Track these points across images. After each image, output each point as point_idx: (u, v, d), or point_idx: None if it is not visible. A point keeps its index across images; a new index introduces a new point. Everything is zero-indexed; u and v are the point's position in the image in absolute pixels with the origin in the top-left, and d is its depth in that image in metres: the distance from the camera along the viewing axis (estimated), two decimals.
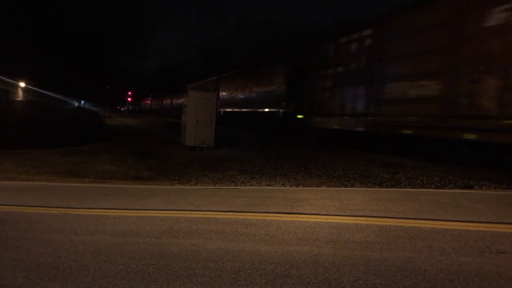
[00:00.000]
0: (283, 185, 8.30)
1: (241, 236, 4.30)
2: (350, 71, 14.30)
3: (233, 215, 5.24)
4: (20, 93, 24.93)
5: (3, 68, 20.90)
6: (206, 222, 4.87)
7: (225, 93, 32.86)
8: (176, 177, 9.32)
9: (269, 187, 8.06)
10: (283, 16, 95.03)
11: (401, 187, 8.05)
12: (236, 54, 55.25)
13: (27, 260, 3.59)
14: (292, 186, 8.12)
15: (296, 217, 5.09)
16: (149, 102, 78.15)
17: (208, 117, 14.25)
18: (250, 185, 8.30)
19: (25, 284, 3.10)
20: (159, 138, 20.19)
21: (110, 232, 4.48)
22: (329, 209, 5.54)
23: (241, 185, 8.30)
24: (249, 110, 25.87)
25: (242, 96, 28.12)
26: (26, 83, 24.83)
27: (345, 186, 8.20)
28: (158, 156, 13.10)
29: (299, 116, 18.17)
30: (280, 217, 5.10)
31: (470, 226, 4.57)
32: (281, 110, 20.34)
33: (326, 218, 5.02)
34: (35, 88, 24.74)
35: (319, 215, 5.18)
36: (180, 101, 36.61)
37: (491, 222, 4.74)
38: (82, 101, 38.68)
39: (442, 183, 8.28)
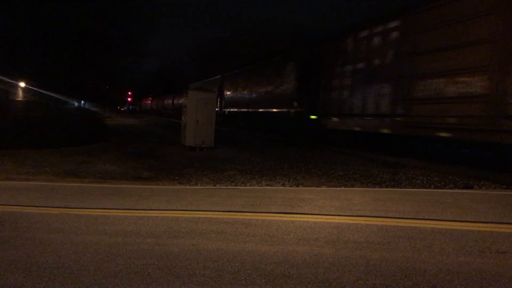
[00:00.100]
0: (283, 185, 8.30)
1: (241, 236, 4.30)
2: (373, 67, 13.07)
3: (233, 215, 5.24)
4: (20, 93, 24.95)
5: (3, 68, 20.90)
6: (206, 222, 4.87)
7: (230, 93, 31.11)
8: (176, 177, 9.32)
9: (269, 187, 8.06)
10: (283, 16, 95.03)
11: (401, 187, 8.05)
12: (237, 53, 55.17)
13: (27, 260, 3.59)
14: (292, 186, 8.12)
15: (296, 217, 5.09)
16: (149, 102, 78.07)
17: (208, 117, 14.25)
18: (250, 185, 8.30)
19: (25, 284, 3.09)
20: (159, 138, 20.19)
21: (110, 232, 4.48)
22: (329, 209, 5.54)
23: (241, 185, 8.30)
24: (257, 110, 24.33)
25: (248, 95, 26.39)
26: (26, 83, 24.84)
27: (345, 186, 8.21)
28: (158, 156, 13.10)
29: (313, 117, 16.95)
30: (280, 217, 5.10)
31: (470, 226, 4.57)
32: (292, 110, 18.99)
33: (326, 218, 5.02)
34: (35, 88, 24.74)
35: (319, 215, 5.18)
36: (181, 101, 35.09)
37: (491, 222, 4.74)
38: (82, 101, 38.68)
39: (442, 183, 8.28)
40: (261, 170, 10.16)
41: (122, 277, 3.21)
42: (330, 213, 5.29)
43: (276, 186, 8.24)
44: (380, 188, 7.90)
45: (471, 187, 7.79)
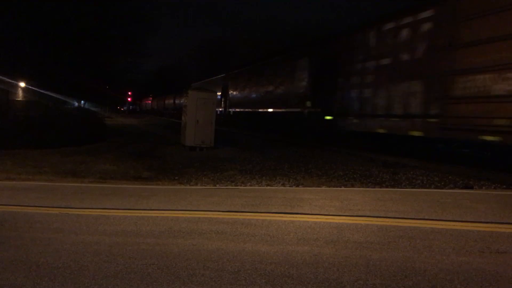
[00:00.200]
0: (283, 185, 8.30)
1: (241, 236, 4.30)
2: (401, 63, 11.85)
3: (233, 215, 5.24)
4: (20, 93, 24.94)
5: (3, 68, 20.90)
6: (206, 222, 4.87)
7: (235, 92, 29.74)
8: (176, 177, 9.32)
9: (269, 187, 8.06)
10: (283, 16, 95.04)
11: (401, 187, 8.05)
12: (237, 53, 55.13)
13: (27, 260, 3.59)
14: (292, 186, 8.12)
15: (296, 217, 5.09)
16: (150, 102, 78.00)
17: (208, 117, 14.25)
18: (250, 185, 8.30)
19: (25, 284, 3.09)
20: (159, 138, 20.19)
21: (110, 232, 4.48)
22: (329, 209, 5.54)
23: (241, 185, 8.30)
24: (265, 110, 22.89)
25: (256, 95, 24.86)
26: (26, 83, 24.84)
27: (345, 186, 8.21)
28: (158, 156, 13.11)
29: (328, 117, 15.66)
30: (280, 217, 5.10)
31: (470, 226, 4.57)
32: (305, 111, 17.58)
33: (326, 218, 5.02)
34: (35, 88, 24.75)
35: (319, 215, 5.18)
36: (183, 100, 35.27)
37: (491, 222, 4.74)
38: (82, 101, 38.69)
39: (442, 183, 8.28)
40: (261, 170, 10.17)
41: (122, 277, 3.21)
42: (330, 213, 5.29)
43: (276, 186, 8.24)
44: (380, 188, 7.90)
45: (471, 187, 7.79)
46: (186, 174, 9.74)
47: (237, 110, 28.67)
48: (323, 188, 7.86)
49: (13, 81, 23.03)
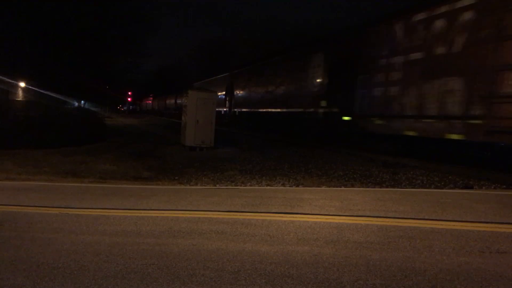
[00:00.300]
0: (283, 185, 8.30)
1: (241, 236, 4.30)
2: (435, 57, 10.66)
3: (233, 215, 5.24)
4: (20, 93, 24.96)
5: (3, 68, 20.91)
6: (206, 222, 4.87)
7: (241, 91, 28.35)
8: (176, 177, 9.32)
9: (269, 187, 8.06)
10: (283, 16, 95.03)
11: (401, 187, 8.05)
12: (237, 53, 55.10)
13: (27, 260, 3.59)
14: (292, 186, 8.12)
15: (296, 217, 5.09)
16: (150, 102, 77.94)
17: (208, 117, 14.25)
18: (250, 185, 8.30)
19: (25, 284, 3.09)
20: (159, 138, 20.19)
21: (110, 232, 4.48)
22: (329, 209, 5.54)
23: (241, 185, 8.30)
24: (274, 110, 21.52)
25: (263, 94, 23.43)
26: (26, 83, 24.85)
27: (345, 186, 8.21)
28: (158, 156, 13.11)
29: (346, 118, 14.45)
30: (280, 217, 5.10)
31: (470, 226, 4.57)
32: (320, 111, 16.28)
33: (326, 218, 5.02)
34: (35, 88, 24.76)
35: (319, 215, 5.18)
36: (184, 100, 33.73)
37: (491, 222, 4.74)
38: (82, 101, 38.70)
39: (442, 183, 8.28)
40: (261, 170, 10.17)
41: (122, 277, 3.21)
42: (330, 213, 5.29)
43: (276, 186, 8.24)
44: (380, 188, 7.90)
45: (471, 187, 7.79)
46: (186, 174, 9.74)
47: (243, 110, 27.30)
48: (323, 188, 7.86)
49: (13, 81, 23.04)
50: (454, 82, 10.13)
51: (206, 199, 6.32)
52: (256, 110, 24.57)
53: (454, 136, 10.10)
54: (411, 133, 11.41)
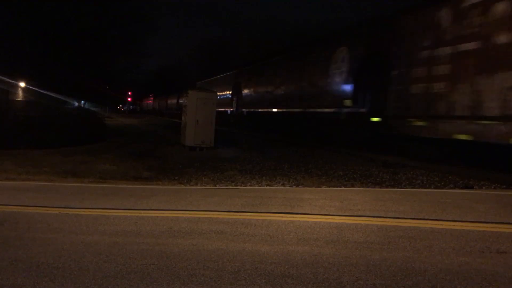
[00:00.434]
0: (283, 185, 8.31)
1: (241, 236, 4.30)
2: (495, 47, 9.17)
3: (233, 215, 5.24)
4: (20, 93, 24.96)
5: (3, 68, 20.91)
6: (206, 222, 4.87)
7: (249, 90, 26.57)
8: (176, 177, 9.32)
9: (269, 187, 8.06)
10: (283, 16, 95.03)
11: (401, 187, 8.05)
12: (237, 53, 55.07)
13: (27, 260, 3.59)
14: (292, 186, 8.12)
15: (296, 217, 5.09)
16: (151, 102, 77.86)
17: (208, 117, 14.25)
18: (250, 185, 8.30)
19: (25, 284, 3.09)
20: (159, 138, 20.19)
21: (110, 232, 4.48)
22: (329, 209, 5.54)
23: (241, 185, 8.30)
24: (288, 110, 19.85)
25: (276, 92, 21.70)
26: (26, 83, 24.85)
27: (345, 186, 8.21)
28: (158, 156, 13.11)
29: (375, 119, 12.98)
30: (280, 217, 5.10)
31: (470, 226, 4.57)
32: (343, 111, 14.72)
33: (326, 218, 5.02)
34: (35, 88, 24.76)
35: (319, 215, 5.18)
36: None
37: (491, 222, 4.74)
38: (82, 101, 38.72)
39: (442, 183, 8.28)
40: (261, 170, 10.17)
41: (122, 277, 3.21)
42: (330, 213, 5.29)
43: (276, 186, 8.24)
44: (380, 188, 7.90)
45: (471, 187, 7.79)
46: (186, 174, 9.74)
47: (252, 110, 25.43)
48: (323, 188, 7.86)
49: (13, 81, 23.04)
50: None
51: (206, 199, 6.33)
52: (266, 110, 22.76)
53: None
54: (463, 137, 9.80)
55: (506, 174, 8.73)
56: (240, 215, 5.20)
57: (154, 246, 3.98)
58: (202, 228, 4.59)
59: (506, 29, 9.00)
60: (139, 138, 20.07)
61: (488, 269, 3.34)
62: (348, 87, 14.63)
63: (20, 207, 5.77)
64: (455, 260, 3.55)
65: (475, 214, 5.17)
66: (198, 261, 3.56)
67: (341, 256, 3.66)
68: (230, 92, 30.49)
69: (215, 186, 8.29)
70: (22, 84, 24.89)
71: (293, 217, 5.11)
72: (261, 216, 5.16)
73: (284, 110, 20.29)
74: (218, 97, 32.05)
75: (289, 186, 8.13)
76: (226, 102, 31.24)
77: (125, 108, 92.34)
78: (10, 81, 22.27)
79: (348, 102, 14.45)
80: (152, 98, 76.56)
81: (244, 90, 27.41)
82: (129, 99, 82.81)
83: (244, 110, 27.10)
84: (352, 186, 8.19)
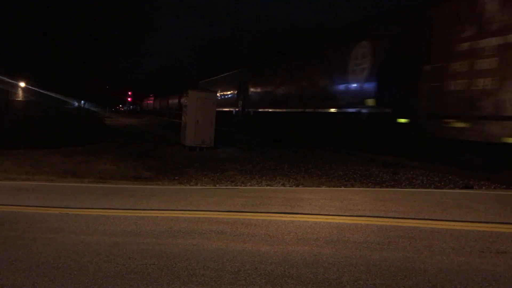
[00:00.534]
0: (283, 185, 8.31)
1: (241, 236, 4.30)
2: None
3: (233, 215, 5.24)
4: (20, 93, 24.97)
5: (3, 68, 20.92)
6: (206, 222, 4.87)
7: (256, 89, 25.19)
8: (176, 177, 9.32)
9: (269, 187, 8.06)
10: (282, 16, 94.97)
11: (401, 187, 8.05)
12: (237, 53, 55.03)
13: (27, 260, 3.59)
14: (292, 186, 8.12)
15: (296, 217, 5.09)
16: (151, 101, 77.75)
17: (208, 117, 14.26)
18: (250, 185, 8.30)
19: (25, 284, 3.09)
20: (159, 138, 20.19)
21: (110, 232, 4.48)
22: (329, 209, 5.54)
23: (241, 185, 8.30)
24: (300, 110, 18.45)
25: (287, 91, 20.24)
26: (26, 83, 24.86)
27: (345, 186, 8.21)
28: (158, 156, 13.10)
29: (402, 120, 11.76)
30: (280, 217, 5.10)
31: (470, 226, 4.57)
32: (364, 111, 13.52)
33: (326, 218, 5.02)
34: (35, 88, 24.77)
35: (319, 215, 5.18)
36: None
37: (491, 222, 4.74)
38: (82, 101, 38.73)
39: (442, 183, 8.28)
40: (261, 170, 10.17)
41: (122, 277, 3.21)
42: (330, 213, 5.29)
43: (276, 186, 8.24)
44: (380, 188, 7.90)
45: (471, 187, 7.80)
46: (186, 174, 9.74)
47: (260, 110, 23.90)
48: (323, 188, 7.86)
49: (13, 81, 23.05)
50: None
51: (206, 199, 6.33)
52: (276, 110, 21.44)
53: None
54: None
55: (506, 174, 8.73)
56: (240, 215, 5.20)
57: (154, 246, 3.98)
58: (202, 228, 4.59)
59: None
60: (139, 138, 20.07)
61: (488, 269, 3.34)
62: (370, 85, 13.31)
63: (20, 207, 5.77)
64: (455, 260, 3.55)
65: (475, 214, 5.17)
66: (198, 261, 3.56)
67: (341, 256, 3.66)
68: (236, 92, 29.17)
69: (215, 186, 8.29)
70: (22, 84, 24.89)
71: (293, 217, 5.11)
72: (261, 216, 5.16)
73: (298, 110, 18.88)
74: (222, 97, 31.46)
75: (289, 186, 8.13)
76: (231, 101, 30.06)
77: (125, 108, 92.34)
78: (10, 81, 22.28)
79: (370, 102, 13.17)
80: (152, 98, 76.44)
81: (251, 89, 25.99)
82: (129, 99, 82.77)
83: (250, 110, 25.76)
84: (352, 186, 8.19)
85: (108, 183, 8.60)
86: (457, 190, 7.47)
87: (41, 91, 24.88)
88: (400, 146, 12.19)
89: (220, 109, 30.29)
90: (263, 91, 24.28)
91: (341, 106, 15.00)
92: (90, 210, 5.62)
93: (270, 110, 22.35)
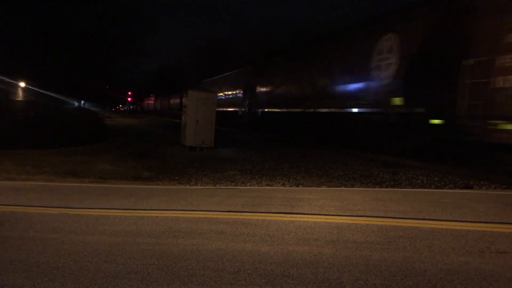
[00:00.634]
0: (283, 185, 8.30)
1: (241, 236, 4.30)
2: None
3: (233, 215, 5.24)
4: (20, 93, 24.98)
5: (3, 68, 20.93)
6: (206, 222, 4.87)
7: (265, 88, 23.72)
8: (176, 177, 9.32)
9: (269, 187, 8.06)
10: (282, 16, 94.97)
11: (401, 187, 8.05)
12: (237, 53, 54.99)
13: (27, 260, 3.59)
14: (292, 186, 8.12)
15: (296, 217, 5.09)
16: (152, 101, 77.64)
17: (208, 117, 14.25)
18: (250, 185, 8.30)
19: (25, 284, 3.10)
20: (159, 138, 20.19)
21: (110, 232, 4.48)
22: (329, 209, 5.54)
23: (241, 185, 8.30)
24: (316, 110, 17.06)
25: (301, 90, 18.83)
26: (26, 83, 24.87)
27: (345, 186, 8.21)
28: (158, 156, 13.10)
29: (435, 121, 10.67)
30: (280, 217, 5.10)
31: (470, 226, 4.57)
32: (391, 111, 12.29)
33: (326, 218, 5.02)
34: (35, 88, 24.79)
35: (319, 215, 5.18)
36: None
37: (491, 222, 4.74)
38: (82, 101, 38.74)
39: (442, 183, 8.28)
40: (261, 170, 10.16)
41: (122, 277, 3.21)
42: (330, 213, 5.29)
43: (276, 186, 8.24)
44: (380, 188, 7.90)
45: (471, 187, 7.79)
46: (186, 174, 9.74)
47: (269, 110, 22.58)
48: (323, 188, 7.86)
49: (13, 81, 23.07)
50: None
51: (206, 199, 6.33)
52: (288, 110, 20.04)
53: None
54: None
55: (506, 174, 8.73)
56: (240, 215, 5.20)
57: (154, 246, 3.98)
58: (202, 228, 4.59)
59: None
60: (139, 138, 20.06)
61: (488, 269, 3.34)
62: (397, 82, 11.98)
63: (20, 207, 5.77)
64: (455, 260, 3.55)
65: (475, 214, 5.17)
66: (198, 261, 3.56)
67: (341, 256, 3.66)
68: (241, 91, 27.83)
69: (215, 186, 8.29)
70: (22, 84, 24.91)
71: (293, 217, 5.11)
72: (261, 216, 5.16)
73: (312, 110, 17.42)
74: (227, 96, 30.92)
75: (289, 186, 8.13)
76: (237, 101, 28.78)
77: (125, 108, 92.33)
78: (10, 81, 22.30)
79: (397, 101, 11.95)
80: (153, 98, 76.34)
81: (259, 87, 24.61)
82: (129, 99, 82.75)
83: (257, 110, 24.45)
84: (352, 186, 8.19)
85: (108, 183, 8.60)
86: (457, 190, 7.46)
87: (41, 91, 24.89)
88: (435, 150, 10.99)
89: (224, 109, 29.79)
90: (271, 90, 22.80)
91: (367, 104, 13.56)
92: (90, 210, 5.62)
93: (279, 110, 21.27)
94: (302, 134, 18.65)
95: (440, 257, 3.62)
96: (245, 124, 26.51)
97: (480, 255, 3.66)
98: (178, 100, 47.86)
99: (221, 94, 31.53)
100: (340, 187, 8.08)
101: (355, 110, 14.18)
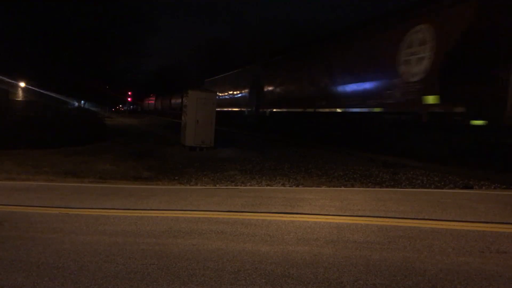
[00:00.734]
0: (283, 185, 8.30)
1: (241, 236, 4.30)
2: None
3: (233, 215, 5.24)
4: (20, 93, 24.98)
5: (3, 68, 20.93)
6: (206, 222, 4.87)
7: (274, 87, 22.33)
8: (176, 177, 9.32)
9: (269, 187, 8.06)
10: (283, 16, 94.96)
11: (401, 187, 8.05)
12: (237, 53, 54.95)
13: (27, 260, 3.59)
14: (292, 186, 8.12)
15: (296, 217, 5.09)
16: (152, 102, 77.54)
17: (208, 117, 14.26)
18: (250, 185, 8.30)
19: (25, 284, 3.09)
20: (159, 138, 20.19)
21: (110, 232, 4.48)
22: (329, 209, 5.54)
23: (241, 185, 8.30)
24: (334, 110, 15.61)
25: (317, 88, 17.24)
26: (26, 83, 24.88)
27: (345, 186, 8.21)
28: (158, 156, 13.10)
29: (478, 122, 9.54)
30: (280, 217, 5.10)
31: (470, 226, 4.57)
32: (423, 111, 11.00)
33: (326, 218, 5.02)
34: (35, 88, 24.79)
35: (319, 215, 5.18)
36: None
37: (491, 222, 4.74)
38: (82, 101, 38.74)
39: (442, 183, 8.28)
40: (261, 170, 10.16)
41: (122, 277, 3.21)
42: (330, 213, 5.29)
43: (276, 186, 8.24)
44: (380, 188, 7.90)
45: (471, 187, 7.79)
46: (186, 174, 9.74)
47: (279, 110, 21.33)
48: (323, 188, 7.86)
49: (13, 81, 23.06)
50: None
51: (206, 199, 6.33)
52: (302, 110, 18.71)
53: None
54: None
55: (506, 174, 8.73)
56: (240, 215, 5.20)
57: (154, 246, 3.98)
58: (202, 228, 4.59)
59: None
60: (139, 138, 20.07)
61: (488, 269, 3.34)
62: (431, 79, 10.78)
63: (20, 207, 5.77)
64: (455, 260, 3.55)
65: (475, 214, 5.17)
66: (198, 261, 3.56)
67: (341, 256, 3.66)
68: (248, 90, 26.54)
69: (215, 186, 8.29)
70: (22, 84, 24.91)
71: (293, 217, 5.11)
72: (261, 216, 5.16)
73: (324, 110, 16.50)
74: (231, 96, 30.22)
75: (289, 186, 8.13)
76: (243, 101, 27.53)
77: (125, 108, 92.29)
78: (10, 81, 22.29)
79: (431, 99, 10.71)
80: (153, 98, 76.22)
81: (267, 86, 23.25)
82: (129, 99, 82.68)
83: (266, 110, 23.15)
84: (352, 186, 8.19)
85: (108, 183, 8.60)
86: (457, 190, 7.46)
87: (41, 91, 24.89)
88: (480, 155, 9.93)
89: (231, 109, 29.40)
90: (281, 89, 21.42)
91: (393, 104, 12.28)
92: (90, 210, 5.62)
93: (290, 110, 19.98)
94: (316, 135, 17.61)
95: (440, 257, 3.62)
96: (252, 125, 25.36)
97: (480, 255, 3.66)
98: (179, 100, 47.13)
99: (226, 93, 31.09)
100: (340, 187, 8.08)
101: (377, 110, 12.94)
